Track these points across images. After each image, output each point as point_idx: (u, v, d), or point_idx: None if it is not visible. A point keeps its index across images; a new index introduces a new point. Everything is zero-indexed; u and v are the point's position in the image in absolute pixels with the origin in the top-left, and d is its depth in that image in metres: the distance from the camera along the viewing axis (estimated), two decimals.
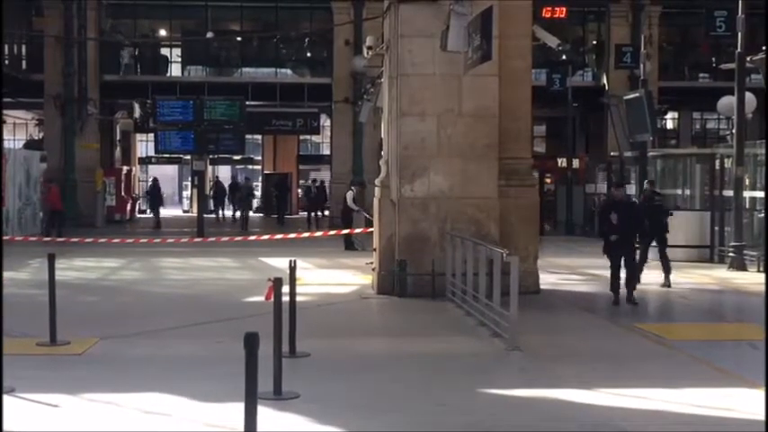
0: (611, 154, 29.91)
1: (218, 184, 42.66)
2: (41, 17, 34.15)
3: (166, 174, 55.35)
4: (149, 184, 37.19)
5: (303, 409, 7.88)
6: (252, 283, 16.27)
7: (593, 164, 32.16)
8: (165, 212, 44.39)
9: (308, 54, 37.61)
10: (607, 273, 14.93)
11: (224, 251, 22.98)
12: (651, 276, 16.14)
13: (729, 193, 20.13)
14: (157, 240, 23.72)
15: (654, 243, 16.21)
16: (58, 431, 7.36)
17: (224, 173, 51.56)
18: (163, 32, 37.71)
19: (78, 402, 8.17)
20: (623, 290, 14.23)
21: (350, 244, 23.37)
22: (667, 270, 16.23)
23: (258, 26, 37.69)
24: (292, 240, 22.92)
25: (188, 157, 38.11)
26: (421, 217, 14.98)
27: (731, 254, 19.36)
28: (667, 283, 16.19)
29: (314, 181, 31.71)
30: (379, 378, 9.30)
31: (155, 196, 34.69)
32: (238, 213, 34.37)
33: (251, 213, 35.45)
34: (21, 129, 44.86)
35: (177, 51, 37.14)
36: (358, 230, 22.30)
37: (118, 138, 40.28)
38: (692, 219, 21.14)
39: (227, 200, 39.62)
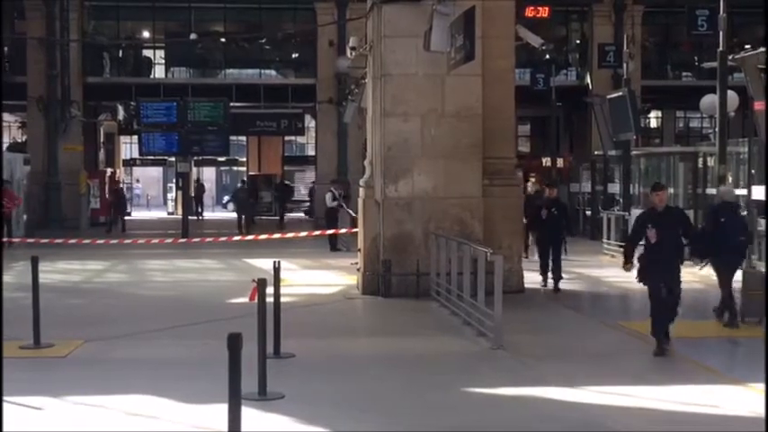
0: (595, 153, 30.00)
1: (199, 186, 42.54)
2: (24, 19, 34.00)
3: (151, 176, 55.27)
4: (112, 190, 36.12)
5: (288, 410, 7.88)
6: (236, 284, 16.23)
7: (577, 163, 32.23)
8: (150, 214, 44.48)
9: (292, 55, 37.59)
10: (592, 272, 15.01)
11: (208, 253, 22.95)
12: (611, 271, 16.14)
13: (712, 190, 20.22)
14: (142, 242, 23.66)
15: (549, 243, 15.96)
16: None
17: (208, 174, 51.50)
18: (146, 34, 37.60)
19: (62, 405, 8.14)
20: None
21: (335, 245, 23.32)
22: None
23: (242, 27, 37.63)
24: (278, 241, 22.89)
25: (172, 158, 37.99)
26: (405, 217, 14.99)
27: None
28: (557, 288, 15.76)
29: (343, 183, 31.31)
30: (364, 378, 9.31)
31: (119, 203, 34.03)
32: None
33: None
34: (3, 131, 44.61)
35: (161, 53, 37.04)
36: (343, 231, 22.27)
37: (102, 140, 40.14)
38: None
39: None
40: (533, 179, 18.91)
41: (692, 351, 10.46)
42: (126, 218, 33.92)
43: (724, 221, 12.11)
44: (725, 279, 12.10)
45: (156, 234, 28.86)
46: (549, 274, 15.93)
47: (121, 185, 34.33)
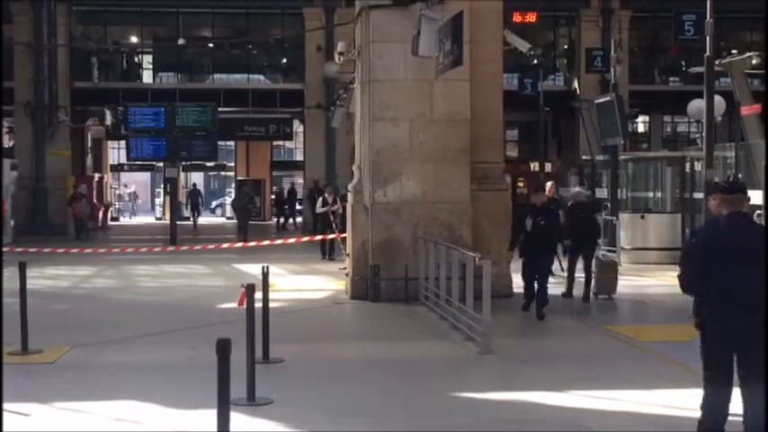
0: (583, 158, 30.06)
1: (194, 190, 41.90)
2: (10, 24, 33.87)
3: (139, 181, 55.17)
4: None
5: (276, 415, 7.88)
6: (225, 289, 16.21)
7: (565, 168, 32.29)
8: (138, 220, 44.37)
9: (280, 60, 37.58)
10: (579, 277, 14.88)
11: (197, 258, 22.88)
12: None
13: (700, 195, 20.29)
14: (130, 249, 23.60)
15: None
16: None
17: (197, 179, 51.37)
18: (134, 39, 37.55)
19: (50, 411, 8.13)
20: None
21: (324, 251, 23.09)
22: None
23: (230, 32, 37.60)
24: (267, 247, 22.83)
25: (160, 164, 37.86)
26: (394, 222, 15.00)
27: None
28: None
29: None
30: (352, 383, 9.32)
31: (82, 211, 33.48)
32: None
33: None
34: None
35: (149, 58, 37.00)
36: (331, 236, 22.16)
37: (89, 145, 40.03)
38: (664, 221, 21.31)
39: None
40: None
41: (679, 354, 10.48)
42: (114, 223, 33.45)
43: (583, 217, 15.13)
44: (585, 265, 15.07)
45: (143, 240, 28.80)
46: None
47: (83, 192, 32.87)
